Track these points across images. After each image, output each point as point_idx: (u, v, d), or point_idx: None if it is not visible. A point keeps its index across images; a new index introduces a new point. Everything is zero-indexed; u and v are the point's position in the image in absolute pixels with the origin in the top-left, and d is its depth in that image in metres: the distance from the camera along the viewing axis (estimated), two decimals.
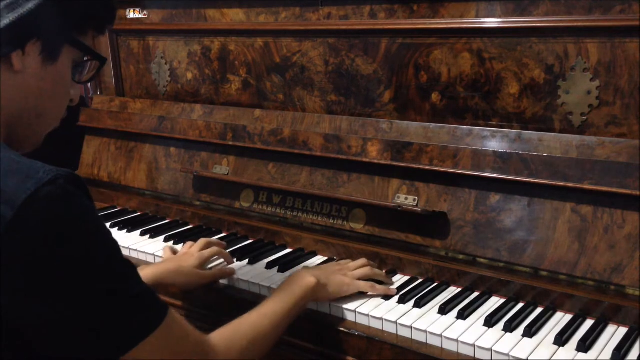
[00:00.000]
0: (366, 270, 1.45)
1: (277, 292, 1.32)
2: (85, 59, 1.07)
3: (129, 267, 0.98)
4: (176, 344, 1.00)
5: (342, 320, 1.36)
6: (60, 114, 1.09)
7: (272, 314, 1.23)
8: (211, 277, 1.54)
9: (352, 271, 1.44)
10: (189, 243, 1.65)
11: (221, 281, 1.56)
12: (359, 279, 1.42)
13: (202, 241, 1.63)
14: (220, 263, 1.63)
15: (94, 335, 0.92)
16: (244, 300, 1.49)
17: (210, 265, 1.61)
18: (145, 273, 1.49)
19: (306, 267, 1.49)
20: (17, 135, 1.02)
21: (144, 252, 1.74)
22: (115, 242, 0.97)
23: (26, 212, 0.85)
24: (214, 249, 1.62)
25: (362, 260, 1.50)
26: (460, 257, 1.48)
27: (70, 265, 0.89)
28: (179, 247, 1.72)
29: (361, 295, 1.41)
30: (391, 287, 1.45)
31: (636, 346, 1.20)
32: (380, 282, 1.45)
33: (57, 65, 1.02)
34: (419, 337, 1.28)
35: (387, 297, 1.41)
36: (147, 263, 1.69)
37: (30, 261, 0.86)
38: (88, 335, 0.92)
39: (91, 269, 0.91)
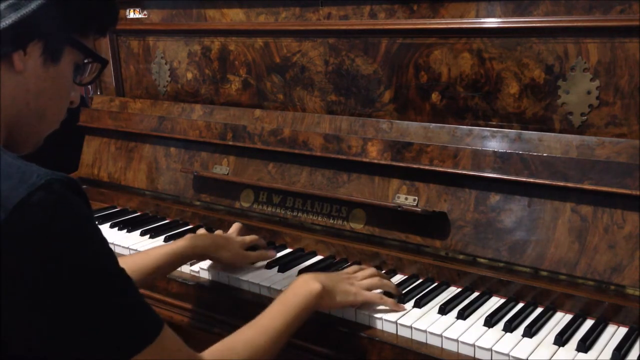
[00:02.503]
0: (374, 281, 1.37)
1: (278, 301, 1.23)
2: (87, 61, 1.07)
3: (125, 278, 0.94)
4: None
5: (342, 319, 1.36)
6: (60, 116, 1.08)
7: (271, 329, 1.16)
8: (254, 258, 1.62)
9: (360, 281, 1.36)
10: (220, 230, 1.75)
11: (221, 281, 1.56)
12: (367, 289, 1.35)
13: (236, 225, 1.73)
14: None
15: (83, 350, 0.89)
16: (243, 299, 1.49)
17: None
18: (194, 242, 1.53)
19: (311, 272, 1.38)
20: (16, 136, 1.02)
21: None
22: (110, 252, 0.93)
23: (17, 217, 0.83)
24: (254, 236, 1.69)
25: (371, 270, 1.42)
26: (460, 257, 1.48)
27: (60, 274, 0.86)
28: None
29: None
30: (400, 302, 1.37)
31: (636, 346, 1.20)
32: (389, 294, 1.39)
33: (58, 66, 1.02)
34: (419, 337, 1.28)
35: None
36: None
37: (20, 268, 0.84)
38: (78, 349, 0.88)
39: (83, 278, 0.87)
